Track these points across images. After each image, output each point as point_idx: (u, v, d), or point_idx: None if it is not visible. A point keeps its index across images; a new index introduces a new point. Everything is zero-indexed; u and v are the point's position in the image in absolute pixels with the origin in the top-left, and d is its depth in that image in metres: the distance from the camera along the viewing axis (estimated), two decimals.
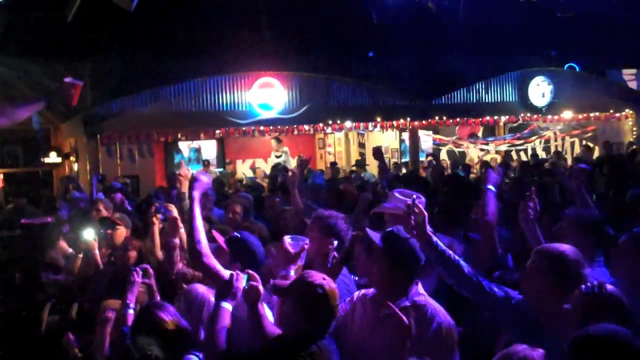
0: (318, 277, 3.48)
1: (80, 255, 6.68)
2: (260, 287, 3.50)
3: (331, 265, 3.83)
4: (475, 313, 4.22)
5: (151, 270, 4.54)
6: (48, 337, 6.13)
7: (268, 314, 3.66)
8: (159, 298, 4.48)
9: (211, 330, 3.45)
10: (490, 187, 4.90)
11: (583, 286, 3.13)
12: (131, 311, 4.28)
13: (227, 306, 3.47)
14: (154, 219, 5.90)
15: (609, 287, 3.10)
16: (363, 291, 3.96)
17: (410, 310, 3.47)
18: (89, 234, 6.49)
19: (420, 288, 3.79)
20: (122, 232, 6.47)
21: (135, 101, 16.21)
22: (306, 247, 4.00)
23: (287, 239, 4.03)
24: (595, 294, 3.05)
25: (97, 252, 6.39)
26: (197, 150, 18.63)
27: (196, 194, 4.10)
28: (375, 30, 19.30)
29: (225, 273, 3.72)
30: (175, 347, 3.59)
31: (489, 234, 4.86)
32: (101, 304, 4.67)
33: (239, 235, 4.38)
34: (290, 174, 6.49)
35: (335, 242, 4.18)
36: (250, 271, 3.56)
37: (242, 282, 3.52)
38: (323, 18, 20.10)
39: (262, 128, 16.81)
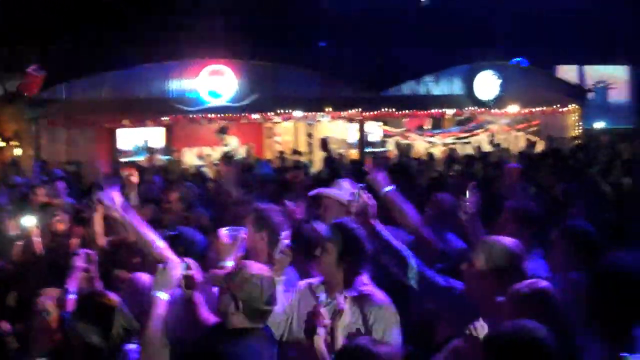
0: (255, 267, 3.47)
1: (19, 242, 6.52)
2: (198, 276, 3.48)
3: (278, 257, 3.81)
4: (419, 303, 4.26)
5: (95, 257, 4.47)
6: None
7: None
8: (100, 285, 4.40)
9: (146, 319, 3.41)
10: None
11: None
12: (71, 297, 4.20)
13: (163, 296, 3.43)
14: (97, 207, 5.80)
15: (542, 282, 3.15)
16: (308, 280, 3.98)
17: (358, 300, 3.53)
18: (29, 221, 6.36)
19: (365, 278, 3.82)
20: (63, 219, 6.35)
21: (81, 86, 15.92)
22: (243, 237, 4.00)
23: (223, 230, 4.03)
24: (526, 289, 3.10)
25: (37, 238, 6.27)
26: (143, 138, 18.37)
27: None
28: (326, 20, 19.34)
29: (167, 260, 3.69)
30: (115, 335, 3.55)
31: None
32: (40, 292, 4.58)
33: (178, 232, 4.37)
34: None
35: (282, 234, 4.14)
36: (187, 259, 3.53)
37: (179, 271, 3.49)
38: (275, 7, 20.03)
39: (210, 116, 16.68)
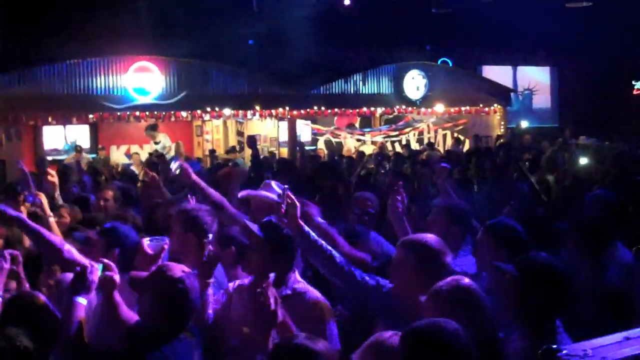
0: (178, 270, 3.45)
1: None
2: (116, 277, 3.45)
3: (206, 259, 3.81)
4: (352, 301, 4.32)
5: (20, 258, 4.37)
6: None
7: None
8: (27, 287, 4.31)
9: (64, 324, 3.37)
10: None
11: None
12: None
13: (82, 300, 3.38)
14: (22, 207, 5.67)
15: (465, 280, 3.23)
16: (238, 281, 4.00)
17: (291, 298, 3.56)
18: None
19: (297, 276, 3.87)
20: None
21: (2, 82, 15.44)
22: (165, 247, 3.99)
23: (145, 241, 4.01)
24: (446, 287, 3.16)
25: None
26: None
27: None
28: (255, 18, 19.28)
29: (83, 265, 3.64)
30: (45, 337, 3.49)
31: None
32: None
33: (112, 225, 4.32)
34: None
35: (209, 237, 4.13)
36: (105, 260, 3.49)
37: (96, 273, 3.45)
38: (203, 4, 19.86)
39: (137, 113, 16.43)
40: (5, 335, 3.49)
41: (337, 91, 19.20)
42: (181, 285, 3.36)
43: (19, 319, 3.51)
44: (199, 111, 17.13)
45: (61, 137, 18.12)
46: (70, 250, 3.95)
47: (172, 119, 16.97)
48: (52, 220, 5.11)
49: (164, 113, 16.69)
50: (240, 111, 17.61)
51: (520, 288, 3.20)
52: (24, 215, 4.34)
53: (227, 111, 17.25)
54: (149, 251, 3.95)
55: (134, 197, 7.56)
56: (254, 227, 3.83)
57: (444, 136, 21.61)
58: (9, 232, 5.84)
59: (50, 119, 16.09)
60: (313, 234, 3.81)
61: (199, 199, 5.08)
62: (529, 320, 3.17)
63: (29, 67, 15.66)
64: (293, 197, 3.79)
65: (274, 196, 4.63)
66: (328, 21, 19.72)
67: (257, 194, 5.04)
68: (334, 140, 20.71)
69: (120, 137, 19.13)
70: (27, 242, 5.60)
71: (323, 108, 18.46)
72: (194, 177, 5.23)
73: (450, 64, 23.18)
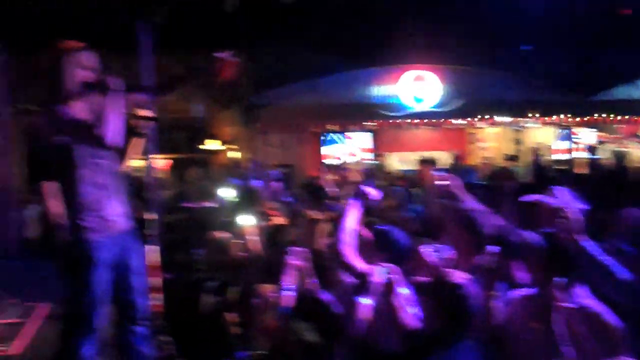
0: (459, 277, 3.44)
1: (236, 240, 6.88)
2: (399, 281, 3.50)
3: (489, 268, 3.75)
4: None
5: (308, 255, 4.61)
6: (207, 317, 6.40)
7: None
8: (315, 282, 4.54)
9: (348, 322, 3.50)
10: None
11: None
12: (287, 293, 4.37)
13: (364, 300, 3.50)
14: (326, 212, 5.84)
15: None
16: (516, 292, 3.90)
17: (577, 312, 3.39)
18: (246, 220, 6.73)
19: (581, 290, 3.68)
20: (279, 218, 6.63)
21: (290, 92, 16.64)
22: (444, 253, 3.99)
23: (426, 248, 4.05)
24: None
25: (253, 237, 6.61)
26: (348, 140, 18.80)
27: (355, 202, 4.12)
28: (527, 22, 18.67)
29: (364, 269, 3.75)
30: (329, 333, 3.66)
31: None
32: (257, 288, 4.83)
33: (385, 228, 4.40)
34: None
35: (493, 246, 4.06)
36: (389, 265, 3.57)
37: (379, 276, 3.54)
38: (477, 10, 19.65)
39: (415, 121, 16.79)
40: (293, 329, 3.73)
41: (620, 97, 17.97)
42: (462, 291, 3.35)
43: (306, 314, 3.71)
44: (474, 119, 17.04)
45: (342, 144, 18.98)
46: (351, 257, 4.06)
47: (447, 126, 17.09)
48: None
49: (438, 121, 16.87)
50: (516, 118, 17.21)
51: None
52: None
53: (501, 118, 16.95)
54: (427, 257, 3.99)
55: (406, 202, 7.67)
56: (532, 237, 3.72)
57: None
58: (302, 230, 6.22)
59: (331, 127, 17.00)
60: (594, 249, 3.60)
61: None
62: None
63: (312, 78, 16.68)
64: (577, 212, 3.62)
65: (559, 203, 4.43)
66: (603, 22, 18.50)
67: (543, 200, 4.85)
68: (620, 149, 19.38)
69: (397, 144, 19.61)
70: (320, 242, 5.88)
71: (604, 115, 17.38)
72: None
73: None
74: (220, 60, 3.93)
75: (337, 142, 18.71)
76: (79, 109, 3.93)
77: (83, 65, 3.86)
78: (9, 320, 7.27)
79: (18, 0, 12.00)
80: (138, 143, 5.14)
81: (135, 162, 5.33)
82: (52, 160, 3.94)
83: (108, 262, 3.98)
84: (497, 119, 16.93)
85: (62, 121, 3.83)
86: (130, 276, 4.09)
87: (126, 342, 4.15)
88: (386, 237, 4.29)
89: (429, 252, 4.04)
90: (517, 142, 19.37)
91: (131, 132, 5.23)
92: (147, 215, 5.81)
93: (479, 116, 16.97)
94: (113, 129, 3.82)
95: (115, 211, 4.06)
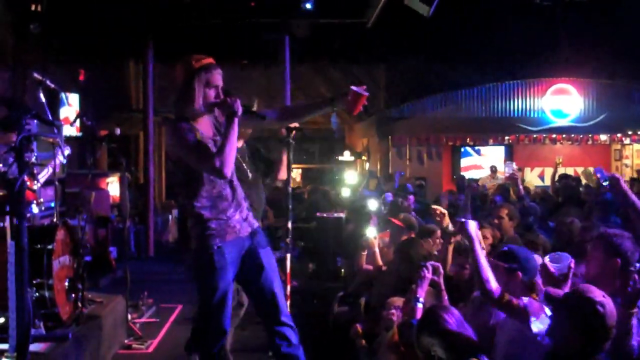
0: (598, 293, 3.30)
1: (364, 252, 6.90)
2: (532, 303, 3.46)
3: (632, 289, 3.57)
4: None
5: (442, 270, 4.56)
6: (336, 327, 6.46)
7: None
8: (446, 297, 4.50)
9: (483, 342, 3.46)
10: None
11: None
12: (420, 305, 4.34)
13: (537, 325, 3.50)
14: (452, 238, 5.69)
15: None
16: None
17: None
18: (371, 232, 6.76)
19: None
20: (406, 233, 6.61)
21: (425, 105, 16.63)
22: (572, 267, 3.85)
23: (547, 259, 3.92)
24: None
25: (376, 250, 6.63)
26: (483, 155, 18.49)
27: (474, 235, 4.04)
28: None
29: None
30: (458, 350, 3.60)
31: None
32: (387, 301, 4.83)
33: (510, 248, 4.28)
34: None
35: (636, 265, 3.89)
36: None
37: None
38: (621, 24, 18.79)
39: (553, 136, 16.32)
40: (420, 343, 3.70)
41: None
42: (600, 308, 3.23)
43: (433, 329, 3.67)
44: (619, 134, 16.36)
45: (476, 158, 18.68)
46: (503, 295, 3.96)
47: (589, 142, 16.49)
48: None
49: (580, 136, 16.33)
50: None
51: None
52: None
53: None
54: (551, 270, 3.87)
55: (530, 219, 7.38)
56: None
57: None
58: (430, 246, 6.16)
59: (468, 140, 16.83)
60: None
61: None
62: None
63: (449, 91, 16.59)
64: None
65: None
66: None
67: None
68: None
69: (534, 159, 19.08)
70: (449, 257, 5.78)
71: None
72: (624, 186, 4.89)
73: None
74: (355, 94, 3.93)
75: (471, 156, 18.45)
76: (204, 125, 4.01)
77: (211, 84, 3.94)
78: (146, 320, 7.65)
79: (172, 10, 12.55)
80: (286, 153, 5.30)
81: (284, 173, 5.47)
82: (181, 169, 4.03)
83: (234, 267, 4.05)
84: None
85: (183, 140, 3.89)
86: (262, 279, 4.13)
87: (274, 344, 4.18)
88: (512, 257, 4.17)
89: (549, 262, 3.92)
90: None
91: (281, 142, 5.38)
92: (280, 223, 5.95)
93: (626, 132, 16.26)
94: (229, 160, 3.85)
95: (240, 216, 4.10)
